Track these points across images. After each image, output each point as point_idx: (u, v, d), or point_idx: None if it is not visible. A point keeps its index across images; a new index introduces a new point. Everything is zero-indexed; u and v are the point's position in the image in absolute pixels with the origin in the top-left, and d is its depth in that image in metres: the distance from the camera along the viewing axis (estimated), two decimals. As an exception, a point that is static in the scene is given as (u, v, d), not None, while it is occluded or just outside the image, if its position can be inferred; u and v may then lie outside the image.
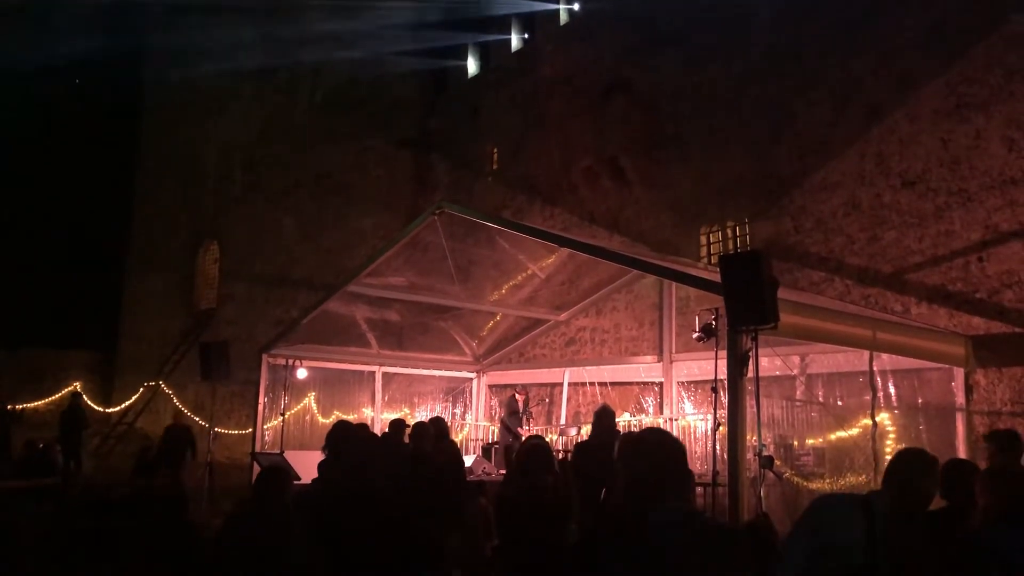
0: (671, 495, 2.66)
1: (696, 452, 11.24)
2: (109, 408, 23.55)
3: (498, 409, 15.14)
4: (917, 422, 9.19)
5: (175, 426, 14.93)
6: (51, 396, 22.22)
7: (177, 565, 4.78)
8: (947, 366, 9.22)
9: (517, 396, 13.53)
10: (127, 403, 23.02)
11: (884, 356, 8.77)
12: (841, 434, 9.14)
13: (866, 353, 8.67)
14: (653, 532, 2.57)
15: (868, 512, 3.34)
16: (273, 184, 21.60)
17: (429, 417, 11.63)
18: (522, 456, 5.77)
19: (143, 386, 22.75)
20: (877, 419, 8.75)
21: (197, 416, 20.12)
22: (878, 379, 8.97)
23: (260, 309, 20.54)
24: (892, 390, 9.19)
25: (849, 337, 7.98)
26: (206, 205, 23.64)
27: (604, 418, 8.87)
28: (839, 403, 9.56)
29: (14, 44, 24.39)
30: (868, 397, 8.82)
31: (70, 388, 21.73)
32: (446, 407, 14.60)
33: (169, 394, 21.90)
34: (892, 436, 9.12)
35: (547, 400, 14.58)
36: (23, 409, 19.76)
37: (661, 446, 2.83)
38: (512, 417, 13.01)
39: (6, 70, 23.92)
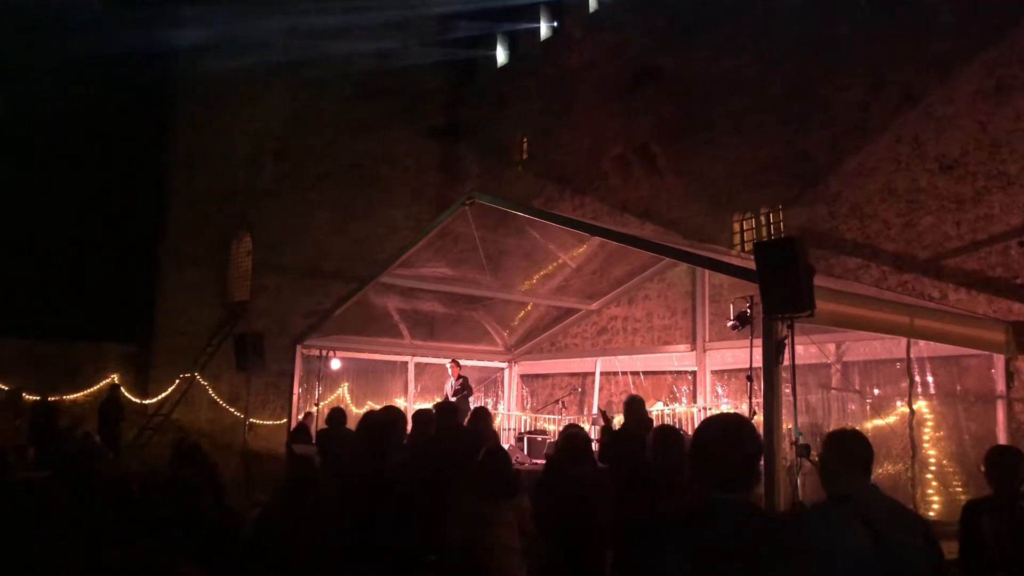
0: (734, 483, 2.62)
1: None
2: (146, 400, 23.87)
3: (530, 399, 15.18)
4: (956, 410, 9.05)
5: None
6: (89, 388, 22.57)
7: (215, 552, 4.80)
8: (987, 353, 9.04)
9: (450, 369, 13.40)
10: (163, 395, 23.31)
11: (922, 343, 8.64)
12: (878, 422, 9.03)
13: (903, 340, 8.54)
14: (716, 520, 2.56)
15: (859, 513, 3.21)
16: (304, 175, 21.72)
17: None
18: (562, 445, 5.80)
19: (179, 378, 23.02)
20: (915, 407, 8.63)
21: (232, 407, 20.36)
22: (915, 366, 8.84)
23: (293, 300, 20.68)
24: (930, 378, 9.06)
25: (886, 324, 7.85)
26: (238, 197, 23.83)
27: (635, 407, 8.83)
28: (876, 391, 9.44)
29: (46, 39, 24.73)
30: (905, 385, 8.70)
31: (108, 380, 22.06)
32: (478, 397, 14.61)
33: (204, 385, 22.15)
34: (930, 424, 9.01)
35: (579, 390, 14.56)
36: (61, 400, 20.09)
37: (723, 433, 2.79)
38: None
39: (38, 65, 24.26)
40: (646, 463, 5.36)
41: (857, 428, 8.72)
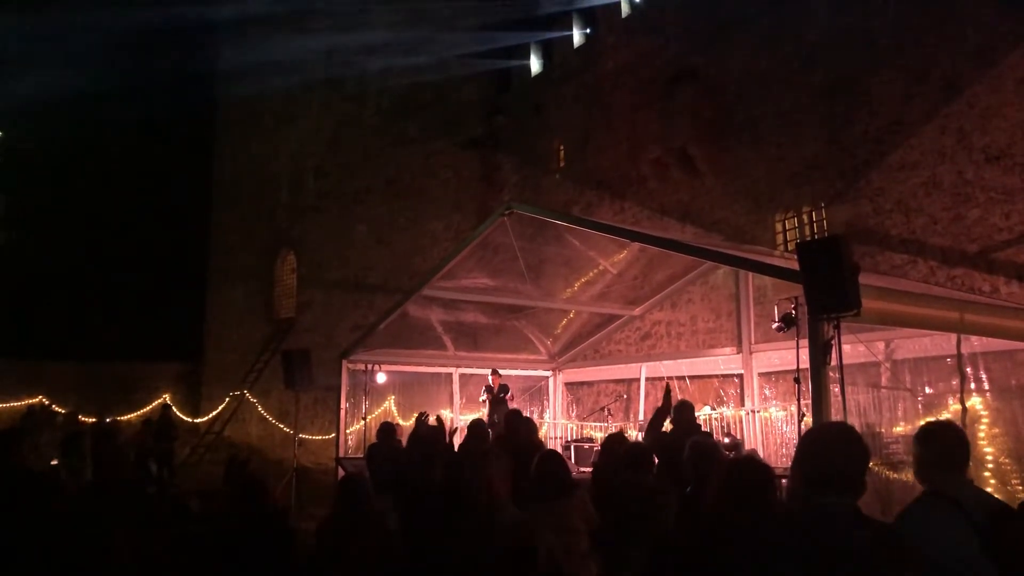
0: (834, 490, 2.65)
1: (780, 444, 11.08)
2: (197, 418, 24.23)
3: (575, 407, 15.14)
4: (1012, 406, 8.83)
5: None
6: (142, 408, 22.98)
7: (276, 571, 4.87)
8: (1042, 346, 8.84)
9: (491, 379, 13.56)
10: (214, 412, 23.64)
11: (973, 339, 8.45)
12: (931, 421, 8.84)
13: (954, 336, 8.38)
14: (816, 526, 2.58)
15: (963, 513, 3.11)
16: (345, 191, 21.97)
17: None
18: (623, 454, 5.79)
19: (229, 395, 23.34)
20: (968, 404, 8.44)
21: (282, 423, 20.58)
22: (968, 362, 8.65)
23: (338, 315, 20.89)
24: (984, 373, 8.85)
25: (935, 321, 7.69)
26: (281, 215, 24.16)
27: (684, 413, 8.74)
28: (928, 389, 9.25)
29: (90, 68, 25.34)
30: (958, 382, 8.53)
31: (160, 400, 22.45)
32: (523, 406, 14.61)
33: (254, 402, 22.43)
34: (986, 421, 8.80)
35: (624, 396, 14.48)
36: (120, 421, 20.51)
37: (832, 440, 2.83)
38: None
39: (83, 94, 24.86)
40: (685, 478, 5.31)
41: (921, 426, 8.58)
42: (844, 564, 2.49)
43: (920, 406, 9.06)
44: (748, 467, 3.68)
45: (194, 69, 25.62)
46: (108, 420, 19.03)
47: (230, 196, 26.87)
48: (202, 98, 27.17)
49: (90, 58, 25.93)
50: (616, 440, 7.26)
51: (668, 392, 9.41)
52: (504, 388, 13.47)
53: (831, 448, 2.75)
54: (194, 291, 27.66)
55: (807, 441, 2.93)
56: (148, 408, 22.80)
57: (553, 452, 6.26)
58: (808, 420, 6.86)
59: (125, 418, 22.10)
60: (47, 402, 21.50)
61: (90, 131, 27.37)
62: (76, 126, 26.74)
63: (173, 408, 19.90)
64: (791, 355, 8.05)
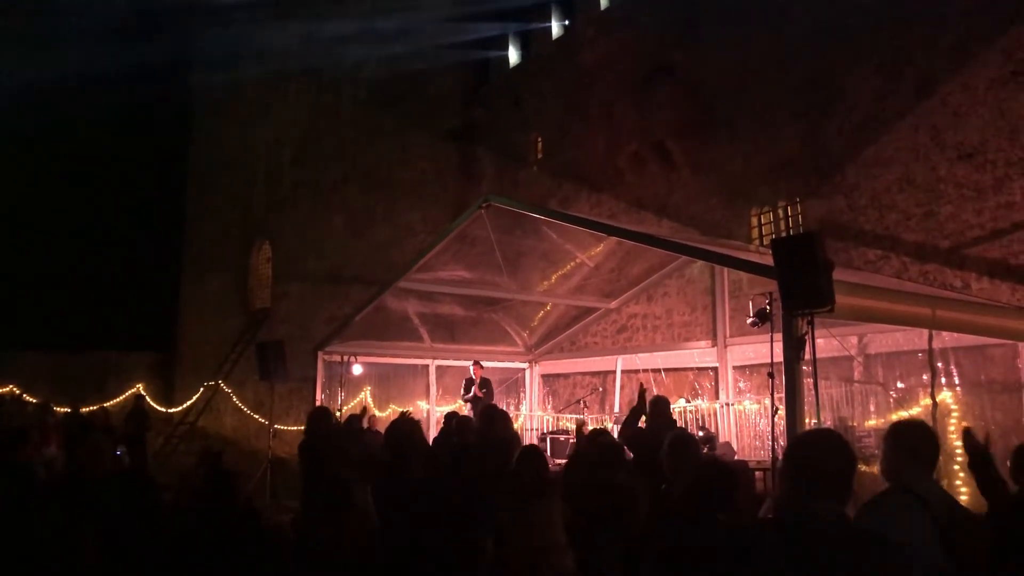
0: (823, 496, 2.68)
1: (754, 437, 11.19)
2: (171, 408, 24.05)
3: (551, 399, 15.18)
4: (982, 400, 8.98)
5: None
6: (115, 398, 22.75)
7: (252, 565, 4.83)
8: (1011, 342, 8.97)
9: (472, 370, 13.59)
10: (188, 403, 23.47)
11: (945, 334, 8.57)
12: (903, 414, 8.96)
13: (926, 331, 8.48)
14: (804, 531, 2.61)
15: (927, 509, 3.14)
16: (322, 182, 21.82)
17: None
18: (595, 451, 5.81)
19: (203, 386, 23.18)
20: (939, 398, 8.57)
21: (257, 414, 20.48)
22: (939, 357, 8.78)
23: (314, 306, 20.77)
24: (954, 368, 8.99)
25: (907, 316, 7.78)
26: (257, 205, 23.97)
27: (659, 407, 8.78)
28: (899, 383, 9.38)
29: (63, 56, 25.00)
30: (928, 376, 8.65)
31: (133, 390, 22.24)
32: (500, 398, 14.63)
33: (229, 393, 22.29)
34: (956, 415, 8.93)
35: (600, 389, 14.54)
36: (94, 410, 20.30)
37: (821, 447, 2.86)
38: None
39: (55, 82, 24.53)
40: (663, 472, 5.34)
41: (893, 420, 8.66)
42: (832, 569, 2.51)
43: (892, 400, 9.18)
44: (713, 470, 3.74)
45: (169, 58, 25.29)
46: (83, 410, 18.84)
47: (205, 186, 26.63)
48: (177, 87, 26.88)
49: (63, 45, 25.60)
50: (592, 436, 7.28)
51: (643, 391, 9.48)
52: (485, 382, 13.42)
53: (819, 454, 2.77)
54: (169, 281, 27.43)
55: (795, 447, 2.95)
56: (122, 397, 22.58)
57: (533, 448, 6.27)
58: (781, 413, 6.93)
59: (99, 407, 21.88)
60: (18, 392, 21.25)
61: (63, 119, 26.96)
62: (48, 114, 26.34)
63: (147, 398, 19.73)
64: (765, 349, 8.14)
